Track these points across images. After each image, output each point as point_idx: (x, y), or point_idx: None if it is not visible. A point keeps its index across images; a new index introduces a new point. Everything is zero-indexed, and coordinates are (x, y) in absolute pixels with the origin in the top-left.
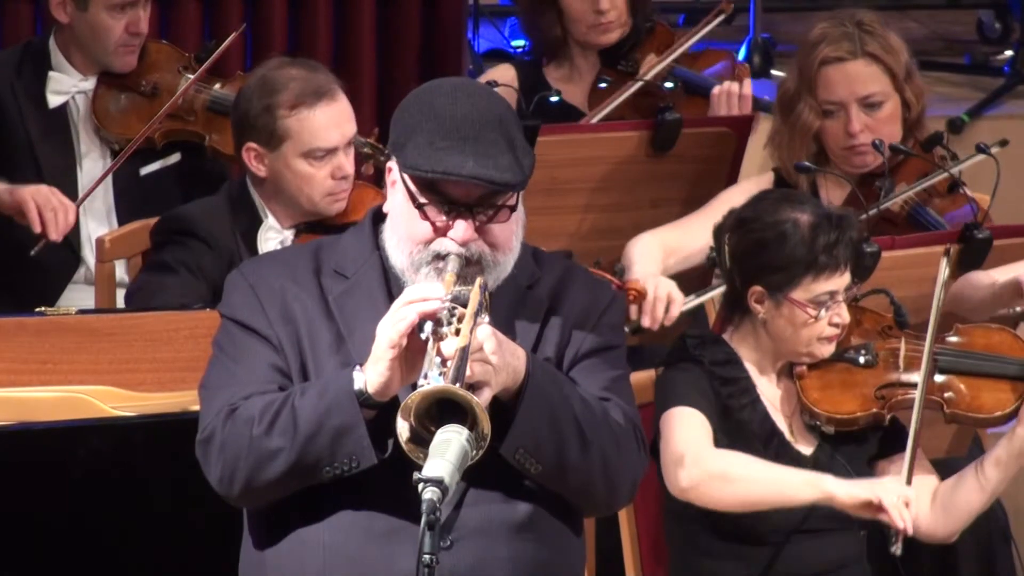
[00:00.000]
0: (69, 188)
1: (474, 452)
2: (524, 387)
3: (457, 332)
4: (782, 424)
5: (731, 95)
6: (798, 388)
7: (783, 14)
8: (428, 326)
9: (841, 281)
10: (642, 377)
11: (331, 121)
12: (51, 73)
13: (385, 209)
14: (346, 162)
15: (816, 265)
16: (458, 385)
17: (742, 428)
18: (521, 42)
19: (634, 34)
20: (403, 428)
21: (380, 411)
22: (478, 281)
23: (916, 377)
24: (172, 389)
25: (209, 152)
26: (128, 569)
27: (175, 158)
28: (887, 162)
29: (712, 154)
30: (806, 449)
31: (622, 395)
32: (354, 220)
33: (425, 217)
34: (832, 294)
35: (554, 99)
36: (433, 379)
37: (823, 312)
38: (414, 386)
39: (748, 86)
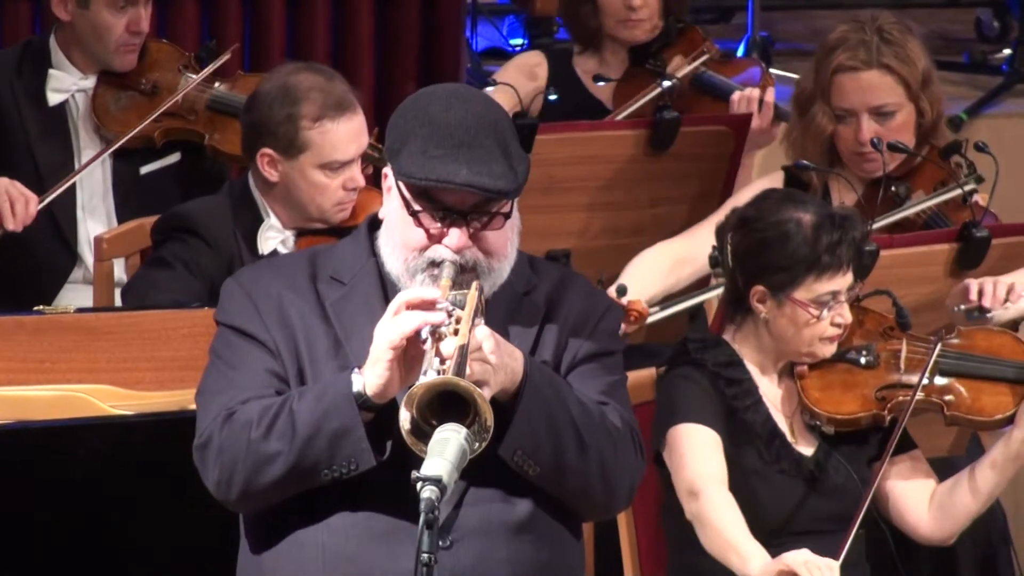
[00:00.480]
0: (68, 192)
1: (477, 444)
2: (521, 389)
3: (455, 332)
4: (783, 425)
5: (751, 101)
6: (799, 388)
7: (781, 12)
8: (426, 328)
9: (843, 281)
10: (641, 375)
11: (350, 135)
12: (51, 71)
13: (381, 215)
14: (358, 174)
15: (819, 265)
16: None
17: (746, 429)
18: (519, 40)
19: (665, 35)
20: (405, 418)
21: (379, 413)
22: (475, 284)
23: (917, 379)
24: (170, 388)
25: (209, 151)
26: (127, 568)
27: (175, 157)
28: (899, 165)
29: (710, 153)
30: (807, 450)
31: (619, 400)
32: (357, 223)
33: (419, 224)
34: (834, 294)
35: (553, 98)
36: (433, 376)
37: (825, 312)
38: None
39: (771, 94)
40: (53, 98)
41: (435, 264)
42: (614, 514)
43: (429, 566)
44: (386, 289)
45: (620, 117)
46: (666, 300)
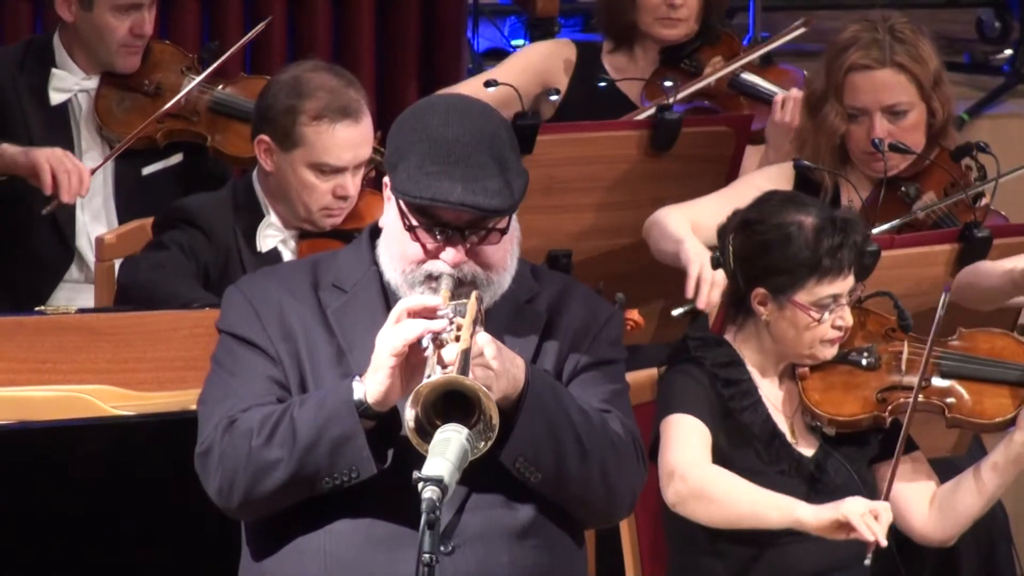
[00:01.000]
0: None
1: (482, 443)
2: (523, 396)
3: (457, 339)
4: (783, 425)
5: (796, 102)
6: (800, 389)
7: (782, 12)
8: (428, 336)
9: (845, 284)
10: (642, 376)
11: (347, 142)
12: (54, 70)
13: (381, 223)
14: (350, 183)
15: (820, 268)
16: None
17: (743, 430)
18: (520, 41)
19: (701, 36)
20: (410, 417)
21: (380, 421)
22: (474, 293)
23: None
24: (172, 388)
25: (211, 153)
26: (128, 569)
27: (177, 159)
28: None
29: (712, 153)
30: (807, 451)
31: (621, 408)
32: (360, 227)
33: (416, 239)
34: (835, 297)
35: (553, 97)
36: (439, 375)
37: (826, 315)
38: None
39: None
40: (55, 97)
41: (433, 277)
42: (615, 521)
43: (430, 566)
44: (387, 297)
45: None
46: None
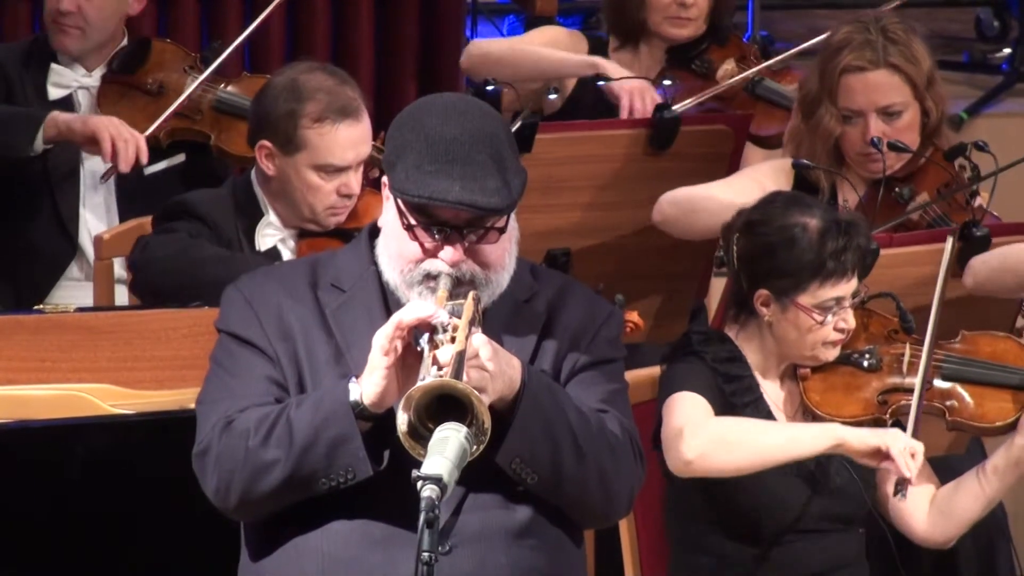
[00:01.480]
0: (72, 186)
1: (474, 447)
2: (519, 397)
3: (452, 340)
4: None
5: None
6: (801, 389)
7: (781, 11)
8: (423, 337)
9: (848, 287)
10: (642, 375)
11: (350, 141)
12: (53, 66)
13: (380, 223)
14: (354, 181)
15: (823, 271)
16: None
17: None
18: None
19: (709, 36)
20: (402, 420)
21: (376, 423)
22: (471, 294)
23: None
24: (171, 387)
25: (215, 152)
26: (127, 568)
27: (180, 158)
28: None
29: (710, 152)
30: (756, 468)
31: (619, 408)
32: (359, 227)
33: (415, 238)
34: (838, 300)
35: (552, 96)
36: (431, 379)
37: (829, 317)
38: None
39: None
40: (54, 92)
41: (431, 277)
42: (613, 522)
43: (430, 565)
44: (386, 297)
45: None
46: None
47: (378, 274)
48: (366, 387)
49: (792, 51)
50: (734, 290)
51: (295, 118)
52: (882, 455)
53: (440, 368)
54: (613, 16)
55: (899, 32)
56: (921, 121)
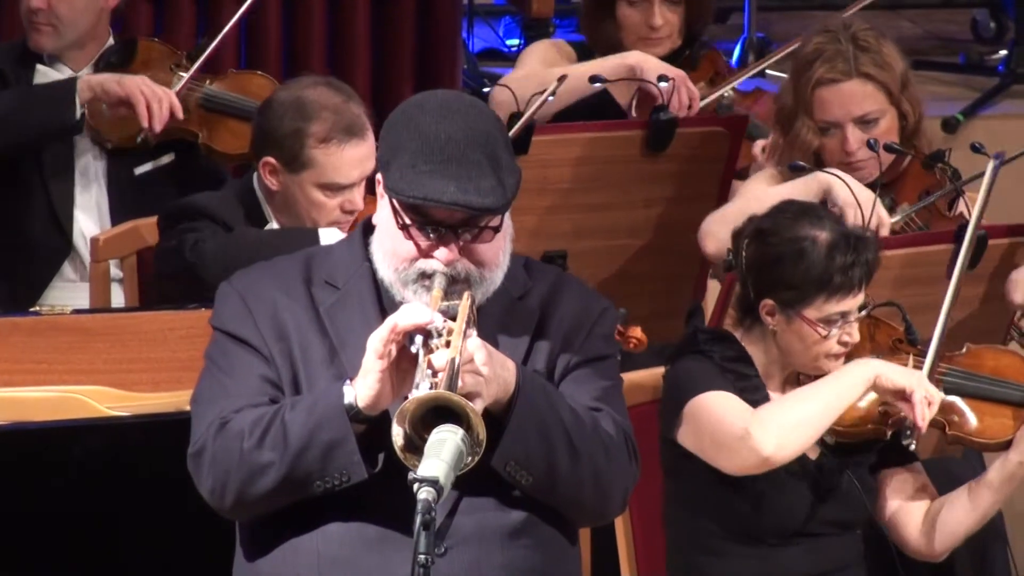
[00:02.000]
0: (64, 185)
1: (469, 459)
2: (514, 399)
3: (447, 345)
4: None
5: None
6: None
7: (777, 12)
8: (418, 340)
9: (854, 302)
10: (642, 376)
11: (355, 160)
12: (38, 67)
13: (375, 220)
14: (358, 197)
15: (831, 286)
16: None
17: None
18: (516, 41)
19: (684, 49)
20: (398, 434)
21: (371, 425)
22: (466, 295)
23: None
24: (167, 389)
25: (203, 150)
26: (124, 569)
27: (168, 157)
28: (890, 166)
29: (706, 154)
30: (810, 453)
31: (614, 405)
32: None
33: (409, 237)
34: (844, 314)
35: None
36: (424, 389)
37: (834, 331)
38: (405, 399)
39: None
40: None
41: (426, 276)
42: (608, 520)
43: (426, 567)
44: (380, 294)
45: None
46: None
47: (372, 271)
48: (360, 390)
49: (750, 71)
50: (741, 295)
51: (301, 137)
52: (904, 396)
53: (435, 374)
54: (591, 39)
55: (869, 39)
56: (899, 124)
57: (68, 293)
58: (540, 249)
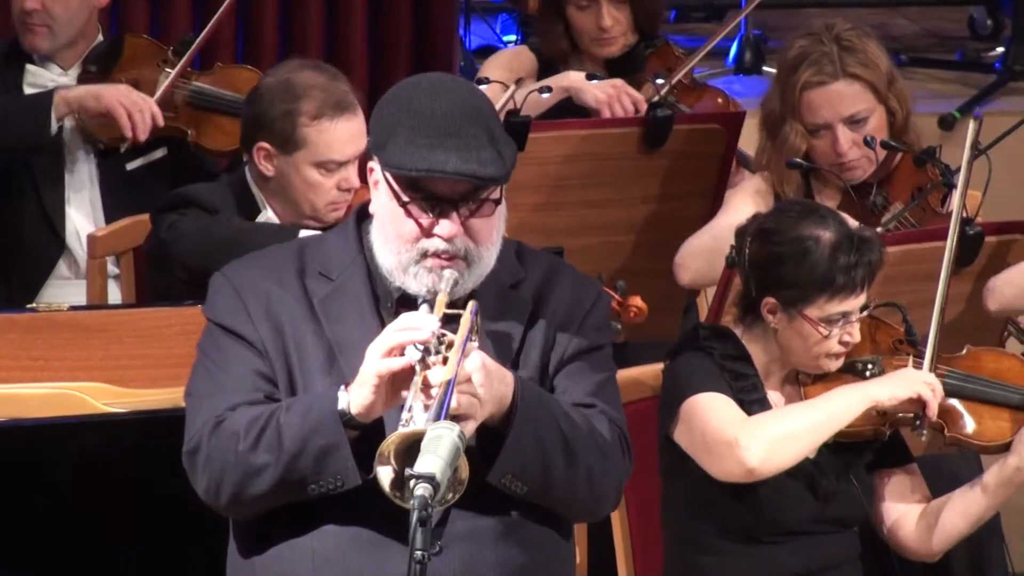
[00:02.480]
0: (56, 184)
1: (449, 495)
2: (512, 413)
3: (445, 360)
4: None
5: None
6: (802, 396)
7: (774, 10)
8: (415, 353)
9: (856, 302)
10: (643, 372)
11: (348, 135)
12: (28, 66)
13: (371, 211)
14: (353, 175)
15: (833, 286)
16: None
17: None
18: (512, 37)
19: (639, 47)
20: (385, 474)
21: (365, 431)
22: (469, 306)
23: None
24: (163, 386)
25: (193, 147)
26: (120, 566)
27: (160, 153)
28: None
29: (703, 151)
30: (810, 452)
31: (608, 399)
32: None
33: (410, 215)
34: (846, 315)
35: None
36: (416, 413)
37: (835, 330)
38: (402, 407)
39: None
40: (28, 92)
41: (426, 255)
42: (600, 517)
43: (423, 563)
44: (374, 285)
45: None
46: None
47: (366, 262)
48: (354, 398)
49: (691, 63)
50: (742, 293)
51: (292, 117)
52: (917, 402)
53: (428, 393)
54: (545, 44)
55: (853, 39)
56: (888, 121)
57: (63, 291)
58: (537, 245)
